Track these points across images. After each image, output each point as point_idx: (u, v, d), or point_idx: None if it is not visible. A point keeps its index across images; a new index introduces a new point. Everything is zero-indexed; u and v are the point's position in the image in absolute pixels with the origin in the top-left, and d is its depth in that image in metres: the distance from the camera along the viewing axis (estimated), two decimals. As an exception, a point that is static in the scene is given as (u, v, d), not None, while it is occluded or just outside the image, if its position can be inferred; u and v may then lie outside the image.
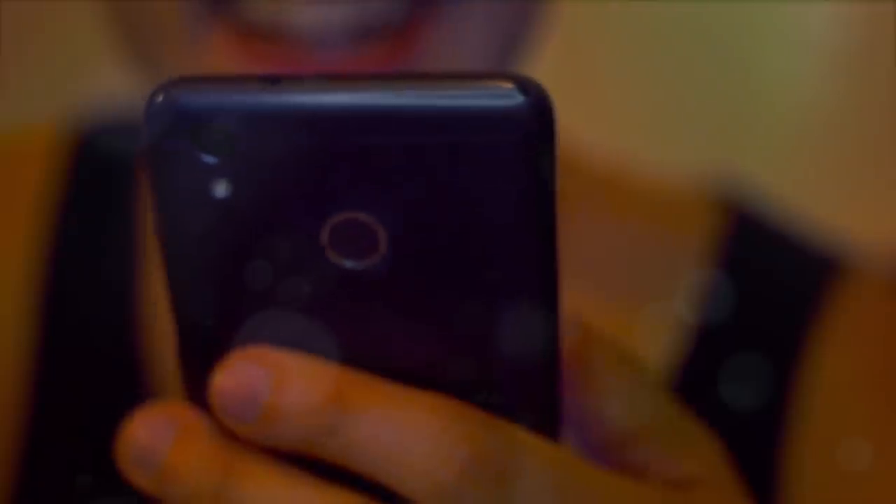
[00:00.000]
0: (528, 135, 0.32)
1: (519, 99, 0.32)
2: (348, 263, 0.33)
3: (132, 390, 0.58)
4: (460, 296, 0.33)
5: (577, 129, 0.55)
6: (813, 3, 2.06)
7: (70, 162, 0.63)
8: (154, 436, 0.34)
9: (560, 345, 0.35)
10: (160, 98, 0.32)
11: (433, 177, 0.32)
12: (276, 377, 0.33)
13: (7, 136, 0.66)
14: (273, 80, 0.32)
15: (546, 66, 0.54)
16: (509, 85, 0.32)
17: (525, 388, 0.34)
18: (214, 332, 0.34)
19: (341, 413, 0.33)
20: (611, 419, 0.36)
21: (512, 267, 0.33)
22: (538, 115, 0.32)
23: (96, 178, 0.62)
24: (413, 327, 0.34)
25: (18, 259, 0.61)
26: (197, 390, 0.35)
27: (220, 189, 0.33)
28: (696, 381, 0.57)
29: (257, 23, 0.48)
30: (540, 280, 0.33)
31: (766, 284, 0.59)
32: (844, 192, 1.72)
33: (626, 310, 0.58)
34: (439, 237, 0.33)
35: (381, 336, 0.34)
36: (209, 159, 0.32)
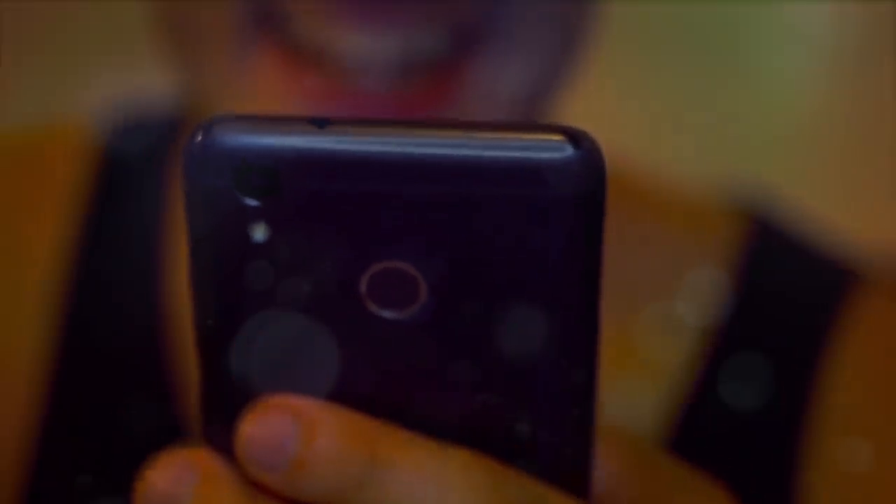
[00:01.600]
0: (577, 188, 0.31)
1: (569, 152, 0.31)
2: (385, 313, 0.32)
3: (158, 389, 0.58)
4: (499, 348, 0.32)
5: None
6: (813, 3, 2.06)
7: (97, 158, 0.63)
8: (174, 483, 0.33)
9: (596, 401, 0.34)
10: (200, 137, 0.32)
11: (478, 228, 0.31)
12: (305, 427, 0.32)
13: (33, 133, 0.65)
14: (319, 123, 0.31)
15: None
16: (560, 137, 0.31)
17: (560, 444, 0.34)
18: (243, 379, 0.33)
19: (372, 466, 0.32)
20: (627, 498, 0.36)
21: (553, 320, 0.32)
22: (588, 168, 0.31)
23: (122, 175, 0.62)
24: (448, 378, 0.33)
25: (44, 256, 0.60)
26: (221, 438, 0.34)
27: (259, 233, 0.32)
28: (713, 389, 0.57)
29: (303, 44, 0.48)
30: (581, 334, 0.32)
31: (785, 291, 0.59)
32: (845, 192, 1.72)
33: (644, 316, 0.58)
34: (481, 289, 0.32)
35: (415, 386, 0.33)
36: (250, 202, 0.32)
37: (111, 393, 0.58)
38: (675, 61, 1.93)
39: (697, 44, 1.99)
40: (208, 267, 0.32)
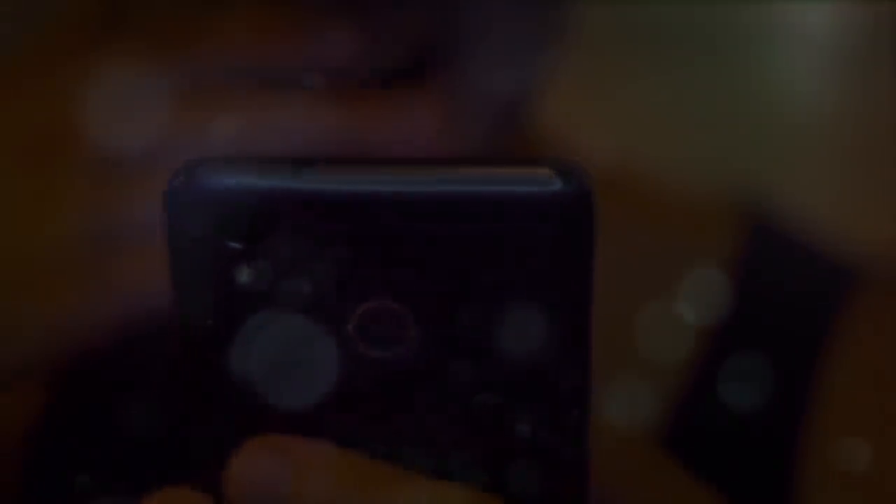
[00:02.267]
0: (566, 223, 0.31)
1: (558, 186, 0.31)
2: (374, 351, 0.32)
3: (165, 390, 0.58)
4: (491, 384, 0.32)
5: (589, 134, 0.55)
6: (813, 3, 2.06)
7: None
8: None
9: (589, 435, 0.34)
10: (181, 180, 0.31)
11: (467, 263, 0.31)
12: (297, 466, 0.32)
13: None
14: (302, 164, 0.31)
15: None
16: (548, 171, 0.31)
17: (554, 478, 0.33)
18: (231, 421, 0.33)
19: None
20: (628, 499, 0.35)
21: (545, 356, 0.32)
22: (578, 202, 0.31)
23: None
24: (439, 415, 0.33)
25: None
26: (209, 478, 0.33)
27: (244, 276, 0.31)
28: (712, 388, 0.57)
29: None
30: (573, 369, 0.32)
31: (784, 291, 0.59)
32: (845, 192, 1.72)
33: (643, 315, 0.58)
34: (471, 323, 0.32)
35: (405, 424, 0.33)
36: (234, 245, 0.31)
37: (118, 394, 0.58)
38: (676, 61, 1.93)
39: (698, 44, 1.99)
40: (192, 310, 0.32)
